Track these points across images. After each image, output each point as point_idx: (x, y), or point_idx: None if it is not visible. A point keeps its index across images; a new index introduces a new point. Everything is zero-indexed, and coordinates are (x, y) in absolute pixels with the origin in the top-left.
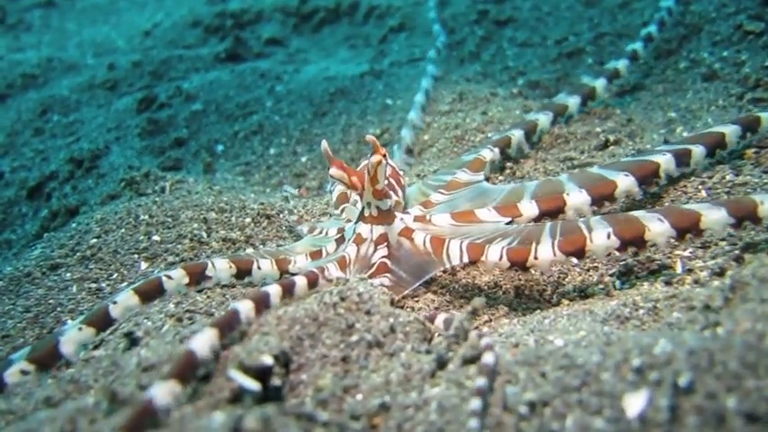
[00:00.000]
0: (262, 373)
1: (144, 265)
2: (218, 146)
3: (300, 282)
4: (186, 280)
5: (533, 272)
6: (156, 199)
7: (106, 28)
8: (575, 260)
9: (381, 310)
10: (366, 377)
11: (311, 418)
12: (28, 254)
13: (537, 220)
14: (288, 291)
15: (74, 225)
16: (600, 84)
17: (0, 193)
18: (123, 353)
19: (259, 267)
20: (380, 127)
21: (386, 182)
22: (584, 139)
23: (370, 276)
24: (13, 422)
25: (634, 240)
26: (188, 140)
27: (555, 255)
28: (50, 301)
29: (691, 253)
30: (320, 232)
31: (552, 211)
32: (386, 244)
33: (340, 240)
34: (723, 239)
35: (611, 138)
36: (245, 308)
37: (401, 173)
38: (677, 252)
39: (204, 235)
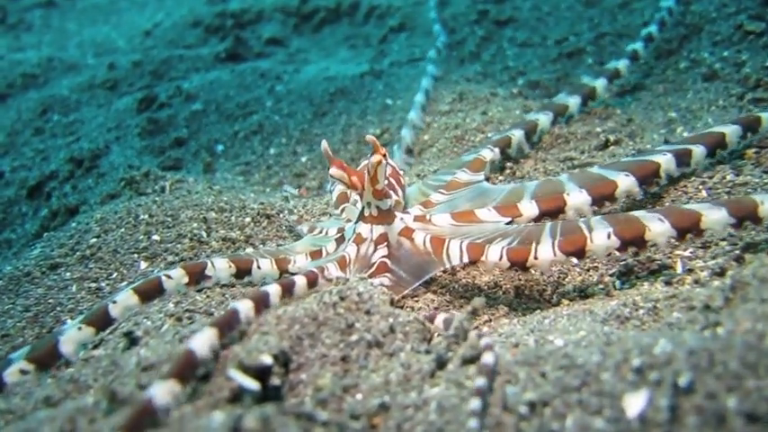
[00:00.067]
0: (261, 373)
1: (144, 265)
2: (218, 146)
3: (300, 281)
4: (186, 279)
5: (533, 272)
6: (156, 198)
7: (106, 28)
8: (575, 260)
9: (381, 309)
10: (366, 377)
11: (311, 418)
12: (28, 253)
13: (537, 220)
14: (287, 290)
15: (73, 224)
16: (600, 84)
17: (0, 193)
18: (123, 352)
19: (259, 267)
20: (380, 127)
21: (386, 182)
22: (584, 139)
23: (370, 276)
24: (12, 422)
25: (634, 240)
26: (188, 140)
27: (555, 255)
28: (50, 301)
29: (691, 253)
30: (320, 232)
31: (553, 211)
32: (386, 244)
33: (340, 240)
34: (723, 239)
35: (612, 138)
36: (245, 307)
37: (401, 173)
38: (677, 252)
39: (204, 234)
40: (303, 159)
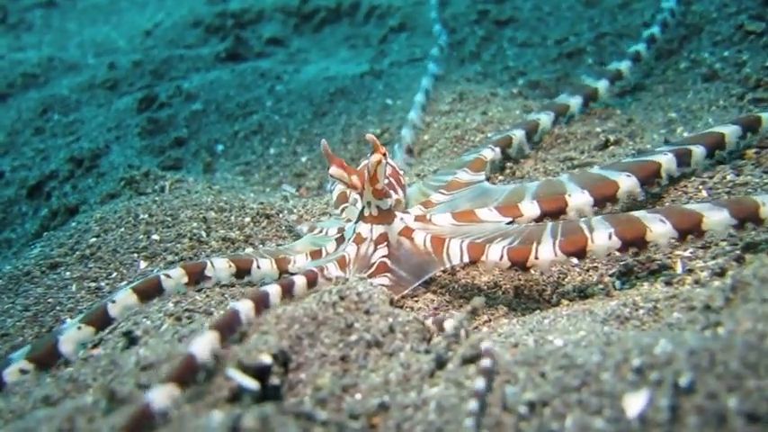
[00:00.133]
0: (260, 372)
1: (143, 265)
2: (218, 145)
3: (300, 281)
4: (185, 279)
5: (533, 272)
6: (156, 198)
7: (107, 28)
8: (575, 260)
9: (381, 309)
10: (365, 377)
11: (310, 418)
12: (27, 253)
13: (538, 220)
14: (287, 290)
15: (73, 224)
16: (602, 85)
17: (0, 192)
18: (122, 352)
19: (258, 267)
20: (380, 127)
21: (386, 181)
22: (584, 139)
23: (370, 276)
24: (11, 421)
25: (635, 241)
26: (188, 140)
27: (556, 255)
28: (50, 300)
29: (691, 253)
30: (320, 232)
31: (554, 211)
32: (386, 243)
33: (340, 240)
34: (724, 240)
35: (612, 138)
36: (245, 308)
37: (401, 172)
38: (677, 252)
39: (204, 234)
40: (303, 159)
